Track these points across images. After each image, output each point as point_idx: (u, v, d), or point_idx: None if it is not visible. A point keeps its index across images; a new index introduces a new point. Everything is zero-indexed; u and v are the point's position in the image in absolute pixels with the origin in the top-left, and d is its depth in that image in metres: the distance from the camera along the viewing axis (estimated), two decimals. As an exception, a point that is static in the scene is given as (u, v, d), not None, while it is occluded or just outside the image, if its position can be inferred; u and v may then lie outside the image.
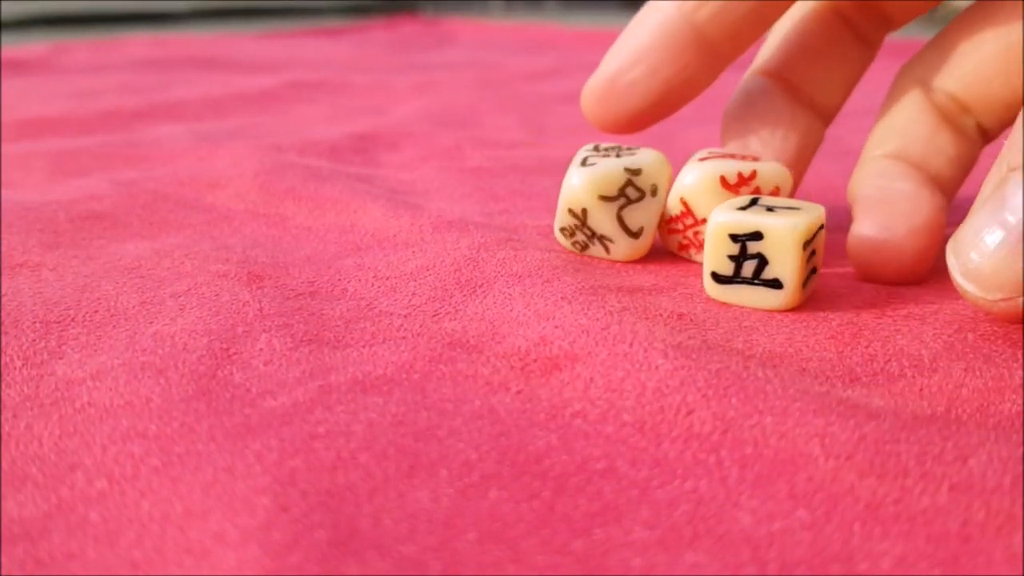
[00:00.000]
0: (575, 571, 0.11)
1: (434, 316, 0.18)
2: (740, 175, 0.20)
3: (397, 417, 0.14)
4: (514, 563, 0.11)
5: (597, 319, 0.17)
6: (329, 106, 0.45)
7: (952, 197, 0.22)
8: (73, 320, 0.18)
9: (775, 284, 0.18)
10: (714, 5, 0.20)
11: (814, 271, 0.19)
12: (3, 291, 0.19)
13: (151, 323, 0.18)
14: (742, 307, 0.19)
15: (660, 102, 0.21)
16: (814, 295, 0.19)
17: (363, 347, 0.17)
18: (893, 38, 0.24)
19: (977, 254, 0.16)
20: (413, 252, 0.22)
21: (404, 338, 0.17)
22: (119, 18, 0.98)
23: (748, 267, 0.18)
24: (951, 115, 0.21)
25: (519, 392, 0.15)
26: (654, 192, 0.20)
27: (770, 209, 0.18)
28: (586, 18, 1.11)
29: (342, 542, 0.11)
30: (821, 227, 0.19)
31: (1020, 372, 0.16)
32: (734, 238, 0.18)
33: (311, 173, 0.28)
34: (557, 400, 0.15)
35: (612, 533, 0.12)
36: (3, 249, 0.22)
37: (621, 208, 0.20)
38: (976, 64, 0.21)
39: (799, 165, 0.23)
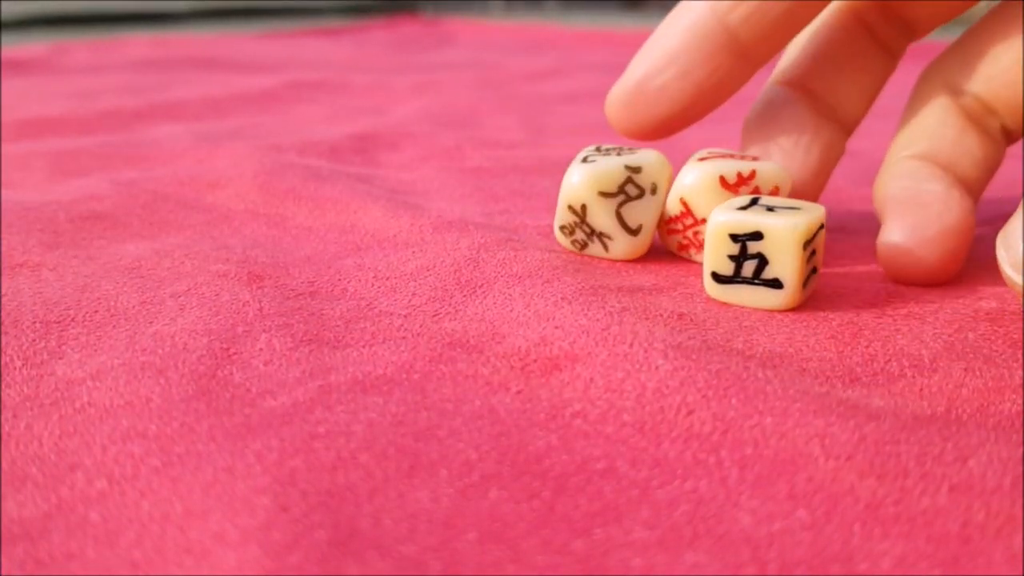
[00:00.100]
0: (575, 571, 0.11)
1: (434, 316, 0.18)
2: (740, 175, 0.20)
3: (397, 417, 0.14)
4: (514, 563, 0.11)
5: (597, 319, 0.17)
6: (329, 106, 0.45)
7: (979, 198, 0.22)
8: (73, 320, 0.18)
9: (775, 284, 0.18)
10: (748, 6, 0.20)
11: (814, 271, 0.19)
12: (3, 291, 0.19)
13: (151, 323, 0.18)
14: (742, 307, 0.19)
15: (689, 106, 0.21)
16: (814, 295, 0.19)
17: (363, 347, 0.17)
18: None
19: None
20: (413, 252, 0.22)
21: (404, 338, 0.17)
22: (119, 18, 0.98)
23: (748, 267, 0.18)
24: (977, 117, 0.21)
25: (519, 392, 0.15)
26: (654, 190, 0.20)
27: (770, 209, 0.18)
28: (586, 18, 1.11)
29: (342, 542, 0.11)
30: (821, 227, 0.19)
31: (1020, 372, 0.16)
32: (734, 238, 0.18)
33: (311, 173, 0.28)
34: (557, 400, 0.15)
35: (612, 533, 0.12)
36: (3, 249, 0.22)
37: (620, 205, 0.20)
38: (1002, 66, 0.21)
39: (821, 176, 0.22)
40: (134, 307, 0.19)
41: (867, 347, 0.17)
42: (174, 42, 0.74)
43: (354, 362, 0.16)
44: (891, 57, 0.23)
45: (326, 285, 0.20)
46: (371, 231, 0.24)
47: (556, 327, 0.17)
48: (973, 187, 0.21)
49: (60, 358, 0.17)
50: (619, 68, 0.23)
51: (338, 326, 0.18)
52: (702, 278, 0.19)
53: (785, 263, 0.18)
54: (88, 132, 0.38)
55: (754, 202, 0.19)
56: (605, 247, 0.21)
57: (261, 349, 0.17)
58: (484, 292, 0.19)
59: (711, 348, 0.16)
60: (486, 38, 0.85)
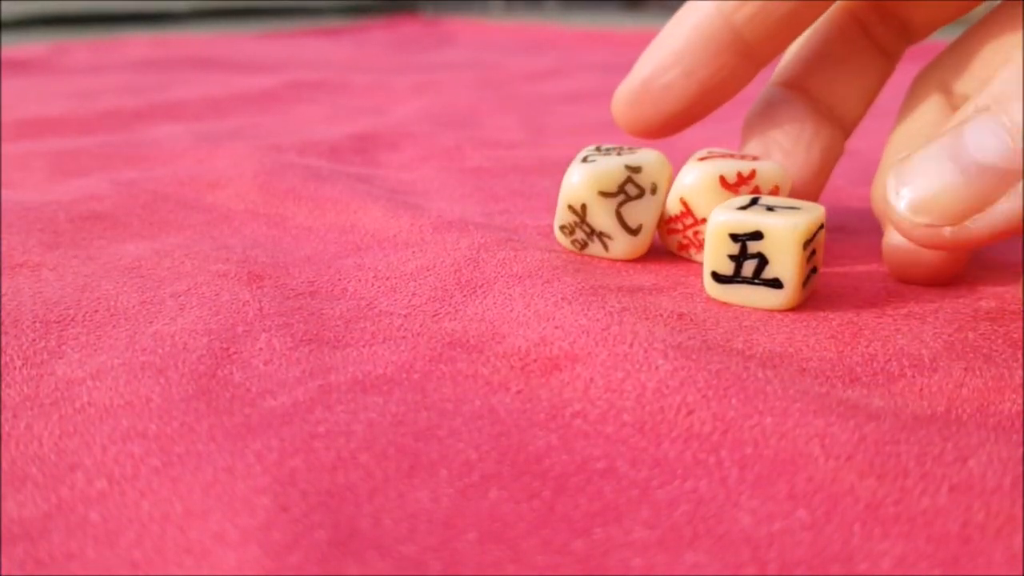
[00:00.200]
0: (575, 571, 0.11)
1: (434, 316, 0.18)
2: (739, 174, 0.20)
3: (397, 417, 0.14)
4: (514, 563, 0.11)
5: (597, 319, 0.17)
6: (329, 106, 0.45)
7: None
8: (73, 320, 0.18)
9: (775, 284, 0.18)
10: (754, 5, 0.20)
11: (814, 271, 0.19)
12: (3, 291, 0.19)
13: (151, 323, 0.18)
14: (742, 307, 0.19)
15: (694, 105, 0.21)
16: (814, 295, 0.19)
17: (363, 347, 0.17)
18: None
19: (924, 179, 0.16)
20: (413, 252, 0.22)
21: (404, 338, 0.17)
22: (119, 18, 0.98)
23: (748, 267, 0.18)
24: None
25: (519, 392, 0.15)
26: (654, 190, 0.20)
27: (770, 209, 0.18)
28: (586, 18, 1.11)
29: (342, 542, 0.11)
30: (821, 227, 0.19)
31: (1020, 372, 0.16)
32: (734, 238, 0.18)
33: (311, 173, 0.28)
34: (557, 400, 0.15)
35: (612, 533, 0.12)
36: (3, 249, 0.22)
37: (620, 205, 0.20)
38: (998, 69, 0.21)
39: (821, 176, 0.23)
40: (134, 307, 0.19)
41: (867, 347, 0.17)
42: (174, 42, 0.74)
43: (354, 362, 0.16)
44: (889, 59, 0.23)
45: (326, 285, 0.20)
46: (371, 231, 0.24)
47: (556, 327, 0.17)
48: None
49: (60, 358, 0.17)
50: (619, 68, 0.23)
51: (338, 326, 0.18)
52: (702, 278, 0.19)
53: (785, 263, 0.18)
54: (88, 132, 0.38)
55: (754, 202, 0.19)
56: (605, 247, 0.21)
57: (261, 349, 0.17)
58: (484, 292, 0.19)
59: (711, 348, 0.16)
60: (486, 38, 0.85)
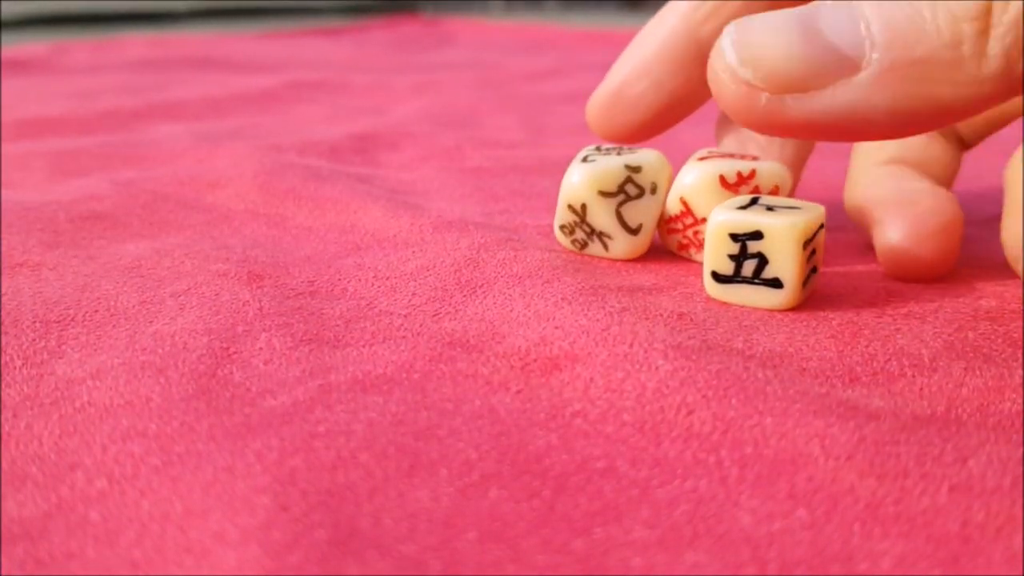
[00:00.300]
0: (575, 571, 0.11)
1: (434, 316, 0.18)
2: (739, 174, 0.20)
3: (397, 416, 0.14)
4: (514, 562, 0.11)
5: (597, 319, 0.17)
6: (329, 106, 0.45)
7: None
8: (73, 319, 0.18)
9: (775, 283, 0.18)
10: (720, 19, 0.21)
11: (814, 270, 0.19)
12: (3, 291, 0.19)
13: (151, 322, 0.18)
14: (742, 306, 0.19)
15: (665, 113, 0.22)
16: (814, 294, 0.19)
17: (363, 346, 0.17)
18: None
19: (764, 36, 0.15)
20: (413, 252, 0.22)
21: (404, 338, 0.17)
22: (118, 18, 0.98)
23: (748, 266, 0.18)
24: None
25: (519, 392, 0.15)
26: (654, 190, 0.20)
27: (770, 208, 0.18)
28: (586, 18, 1.11)
29: (342, 542, 0.11)
30: (821, 226, 0.19)
31: (1020, 371, 0.16)
32: (734, 237, 0.18)
33: (311, 173, 0.28)
34: (557, 400, 0.15)
35: (612, 532, 0.12)
36: (3, 249, 0.22)
37: (620, 204, 0.20)
38: None
39: (796, 169, 0.23)
40: (134, 306, 0.19)
41: (867, 346, 0.17)
42: (174, 42, 0.74)
43: (354, 361, 0.16)
44: None
45: (326, 285, 0.20)
46: (371, 231, 0.24)
47: (556, 327, 0.17)
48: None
49: (60, 357, 0.17)
50: (619, 68, 0.23)
51: (338, 325, 0.18)
52: (702, 278, 0.19)
53: (785, 262, 0.18)
54: (88, 132, 0.38)
55: (754, 201, 0.19)
56: (605, 246, 0.21)
57: (261, 348, 0.17)
58: (484, 292, 0.19)
59: (711, 348, 0.16)
60: (486, 38, 0.85)
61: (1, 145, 0.34)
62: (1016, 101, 0.23)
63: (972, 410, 0.15)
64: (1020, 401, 0.15)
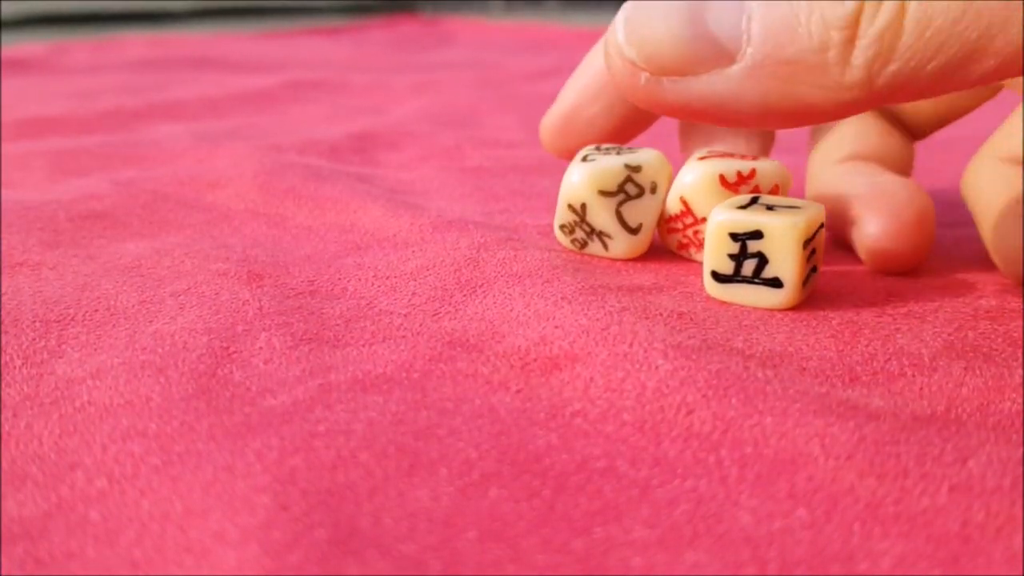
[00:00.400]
0: (575, 570, 0.11)
1: (434, 315, 0.18)
2: (739, 174, 0.20)
3: (397, 416, 0.14)
4: (514, 562, 0.11)
5: (597, 319, 0.17)
6: (329, 106, 0.45)
7: None
8: (73, 319, 0.18)
9: (775, 283, 0.18)
10: None
11: (814, 270, 0.19)
12: (3, 290, 0.19)
13: (151, 322, 0.18)
14: (742, 306, 0.19)
15: (617, 133, 0.22)
16: (814, 294, 0.19)
17: (363, 346, 0.17)
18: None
19: (651, 19, 0.16)
20: (413, 252, 0.22)
21: (404, 337, 0.17)
22: (118, 18, 0.98)
23: (748, 266, 0.18)
24: (890, 121, 0.24)
25: (519, 391, 0.15)
26: (654, 189, 0.20)
27: (770, 208, 0.18)
28: (586, 18, 1.11)
29: (342, 541, 0.11)
30: (821, 226, 0.19)
31: (1020, 371, 0.16)
32: (734, 237, 0.18)
33: (311, 173, 0.28)
34: (557, 399, 0.15)
35: (612, 532, 0.12)
36: (3, 249, 0.22)
37: (620, 204, 0.20)
38: None
39: None
40: (134, 306, 0.19)
41: (867, 346, 0.17)
42: (173, 41, 0.74)
43: (354, 361, 0.16)
44: None
45: (326, 284, 0.20)
46: (371, 231, 0.24)
47: (556, 327, 0.17)
48: None
49: (60, 357, 0.17)
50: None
51: (338, 325, 0.18)
52: (702, 277, 0.19)
53: (785, 262, 0.18)
54: (88, 132, 0.38)
55: (754, 201, 0.19)
56: (605, 246, 0.21)
57: (261, 348, 0.17)
58: (484, 292, 0.19)
59: (711, 348, 0.16)
60: (486, 38, 0.85)
61: (1, 145, 0.34)
62: (968, 94, 0.23)
63: (972, 410, 0.15)
64: (1020, 401, 0.15)
